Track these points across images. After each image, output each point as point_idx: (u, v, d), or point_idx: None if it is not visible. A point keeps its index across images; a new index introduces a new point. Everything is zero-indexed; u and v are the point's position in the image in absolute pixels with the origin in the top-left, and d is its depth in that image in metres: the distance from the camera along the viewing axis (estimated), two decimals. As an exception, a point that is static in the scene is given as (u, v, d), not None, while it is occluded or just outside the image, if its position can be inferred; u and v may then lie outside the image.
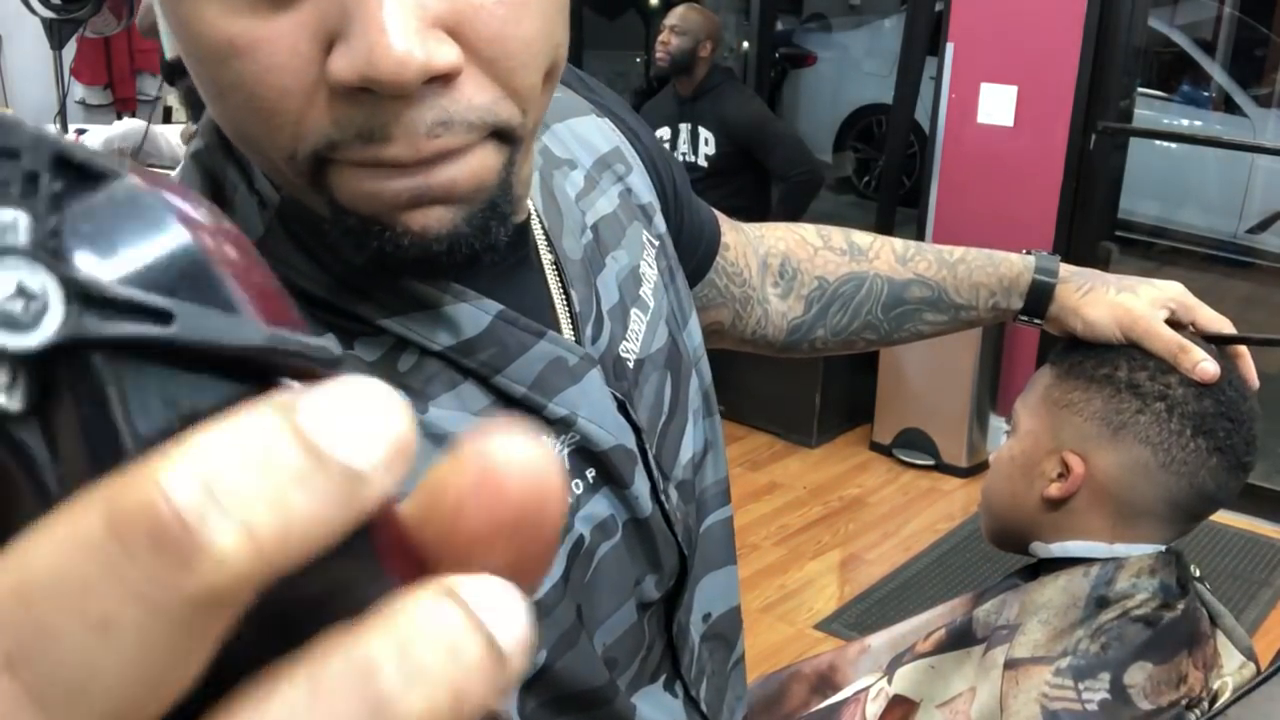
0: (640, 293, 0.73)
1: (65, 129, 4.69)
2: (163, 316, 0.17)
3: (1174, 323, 0.98)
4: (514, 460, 0.19)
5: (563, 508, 0.20)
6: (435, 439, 0.55)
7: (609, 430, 0.63)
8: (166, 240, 0.18)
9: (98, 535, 0.15)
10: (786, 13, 7.92)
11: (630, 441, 0.65)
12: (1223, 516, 3.48)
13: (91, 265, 0.17)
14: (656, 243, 0.78)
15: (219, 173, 0.56)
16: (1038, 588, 1.01)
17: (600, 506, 0.64)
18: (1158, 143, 6.20)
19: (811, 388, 3.97)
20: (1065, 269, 1.02)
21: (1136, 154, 4.77)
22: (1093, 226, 3.85)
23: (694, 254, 0.91)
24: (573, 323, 0.66)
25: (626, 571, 0.67)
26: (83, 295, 0.17)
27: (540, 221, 0.68)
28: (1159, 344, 0.96)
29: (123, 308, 0.17)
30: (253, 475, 0.16)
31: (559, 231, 0.69)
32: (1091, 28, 3.60)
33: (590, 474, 0.63)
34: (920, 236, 3.99)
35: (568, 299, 0.66)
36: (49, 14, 4.67)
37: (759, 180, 4.01)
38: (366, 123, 0.47)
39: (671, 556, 0.71)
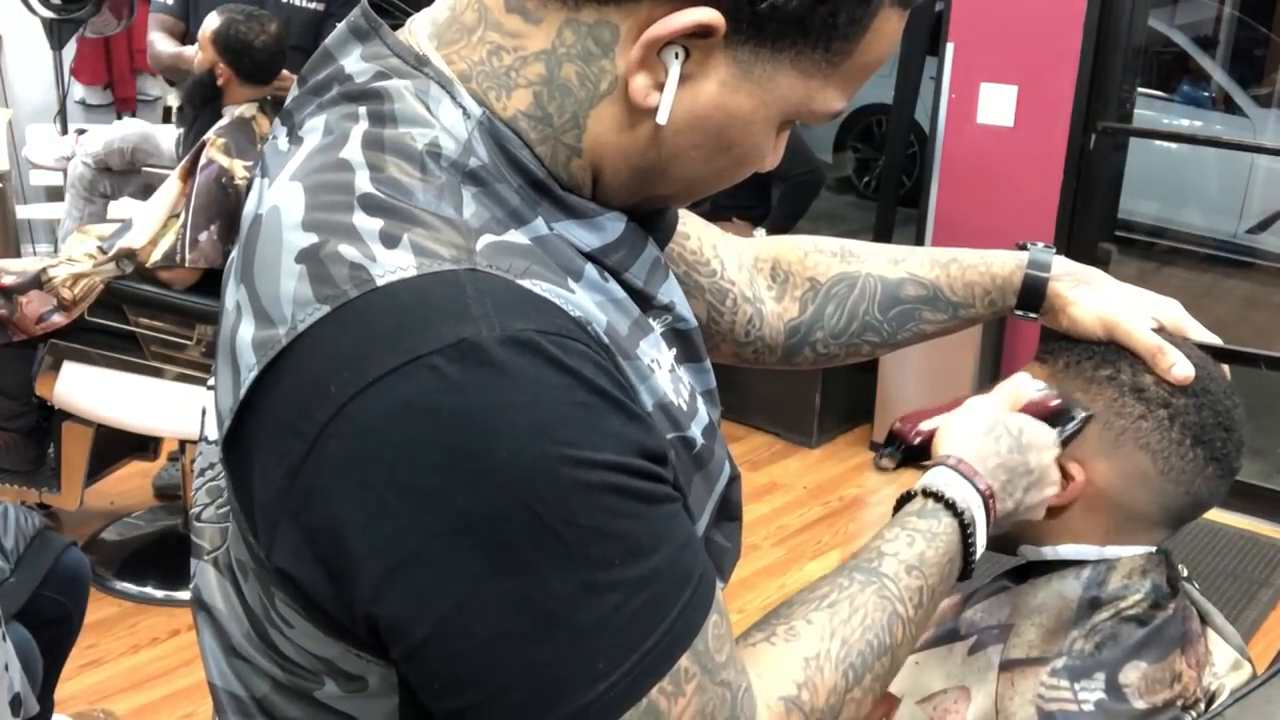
0: None
1: (65, 129, 4.69)
2: None
3: (1161, 333, 0.98)
4: None
5: None
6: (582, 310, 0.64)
7: (690, 316, 0.78)
8: None
9: None
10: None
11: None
12: (1222, 517, 3.48)
13: None
14: None
15: (422, 89, 0.67)
16: (1029, 590, 1.01)
17: (704, 412, 0.76)
18: (1158, 143, 6.20)
19: (811, 388, 3.97)
20: (1061, 265, 1.03)
21: (1136, 154, 4.77)
22: (1093, 227, 3.85)
23: None
24: None
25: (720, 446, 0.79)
26: None
27: None
28: (1138, 343, 0.97)
29: None
30: None
31: None
32: (1091, 28, 3.60)
33: (674, 351, 0.75)
34: (920, 237, 3.99)
35: None
36: (49, 14, 4.67)
37: (759, 180, 4.01)
38: None
39: None
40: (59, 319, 2.70)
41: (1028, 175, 3.76)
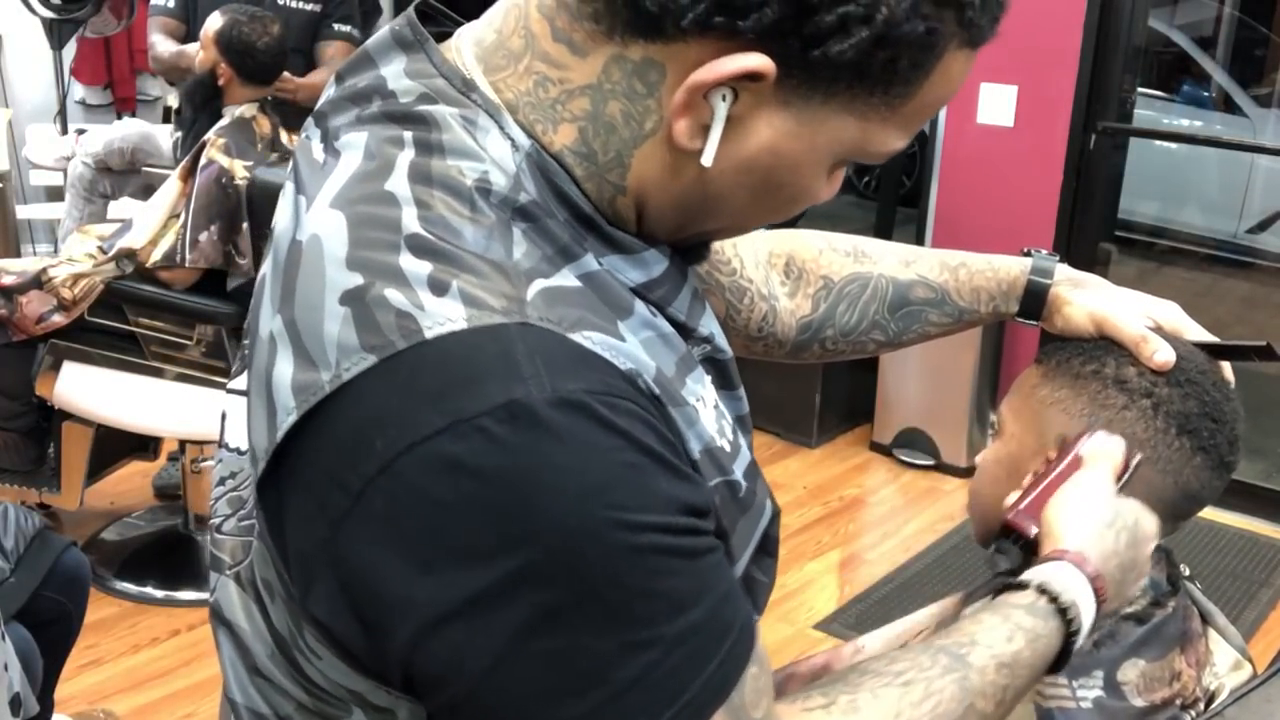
0: None
1: (65, 129, 4.69)
2: None
3: (1158, 332, 0.98)
4: None
5: None
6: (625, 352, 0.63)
7: (727, 346, 0.77)
8: None
9: None
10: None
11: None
12: (1222, 516, 3.48)
13: None
14: None
15: (470, 117, 0.65)
16: None
17: (745, 449, 0.75)
18: (1158, 143, 6.20)
19: (811, 388, 3.97)
20: (1063, 272, 1.04)
21: (1136, 154, 4.77)
22: (1093, 226, 3.85)
23: None
24: None
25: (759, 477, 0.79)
26: None
27: None
28: (1124, 335, 0.98)
29: None
30: None
31: None
32: (1091, 28, 3.61)
33: (710, 379, 0.74)
34: (920, 237, 3.99)
35: None
36: (49, 14, 4.68)
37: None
38: None
39: None
40: (59, 319, 2.70)
41: (1028, 175, 3.76)
